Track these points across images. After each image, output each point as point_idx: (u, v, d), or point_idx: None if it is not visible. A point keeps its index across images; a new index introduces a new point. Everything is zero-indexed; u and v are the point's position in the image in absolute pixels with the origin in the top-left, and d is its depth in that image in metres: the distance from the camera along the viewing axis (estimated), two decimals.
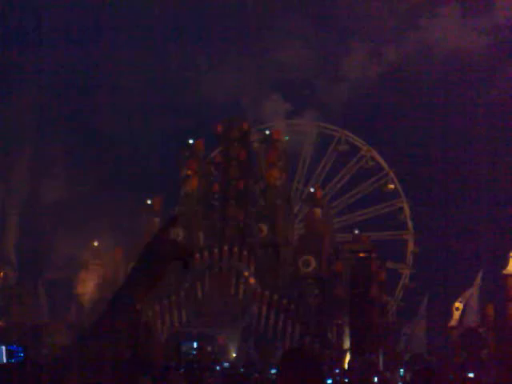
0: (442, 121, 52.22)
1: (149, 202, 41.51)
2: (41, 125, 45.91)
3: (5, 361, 12.92)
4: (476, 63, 51.72)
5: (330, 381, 19.39)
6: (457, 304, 40.40)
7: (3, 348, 13.18)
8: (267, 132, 42.68)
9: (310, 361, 2.81)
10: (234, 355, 33.71)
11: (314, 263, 37.88)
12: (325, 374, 3.11)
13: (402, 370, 30.94)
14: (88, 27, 55.41)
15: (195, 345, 26.24)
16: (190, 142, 42.15)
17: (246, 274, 37.65)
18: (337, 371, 29.17)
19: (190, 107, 44.40)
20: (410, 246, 50.89)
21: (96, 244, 41.78)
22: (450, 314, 40.42)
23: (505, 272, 39.36)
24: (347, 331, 37.14)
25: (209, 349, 30.03)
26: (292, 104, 47.12)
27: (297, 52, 45.54)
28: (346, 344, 37.02)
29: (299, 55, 45.58)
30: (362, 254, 39.56)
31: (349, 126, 51.17)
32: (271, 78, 46.83)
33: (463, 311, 40.27)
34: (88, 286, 40.19)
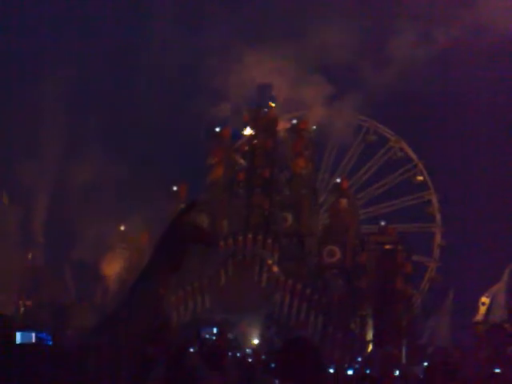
0: (485, 114, 49.96)
1: (175, 188, 41.72)
2: (74, 104, 45.90)
3: None
4: None
5: (351, 371, 19.37)
6: (483, 299, 39.92)
7: (33, 335, 13.24)
8: (294, 121, 42.42)
9: (310, 351, 2.78)
10: (256, 342, 33.82)
11: (338, 254, 37.74)
12: (325, 366, 3.08)
13: (425, 364, 30.77)
14: None
15: (215, 330, 26.37)
16: (217, 129, 42.13)
17: (270, 262, 37.65)
18: (359, 360, 29.08)
19: (224, 91, 43.36)
20: (437, 239, 50.36)
21: (123, 228, 42.20)
22: (475, 309, 39.97)
23: None
24: (370, 323, 36.98)
25: (230, 335, 30.16)
26: (333, 87, 45.21)
27: (339, 33, 43.60)
28: (369, 336, 36.88)
29: (342, 37, 43.71)
30: (387, 246, 39.26)
31: (387, 112, 49.42)
32: (311, 59, 44.90)
33: (490, 306, 39.79)
34: (114, 269, 40.68)
